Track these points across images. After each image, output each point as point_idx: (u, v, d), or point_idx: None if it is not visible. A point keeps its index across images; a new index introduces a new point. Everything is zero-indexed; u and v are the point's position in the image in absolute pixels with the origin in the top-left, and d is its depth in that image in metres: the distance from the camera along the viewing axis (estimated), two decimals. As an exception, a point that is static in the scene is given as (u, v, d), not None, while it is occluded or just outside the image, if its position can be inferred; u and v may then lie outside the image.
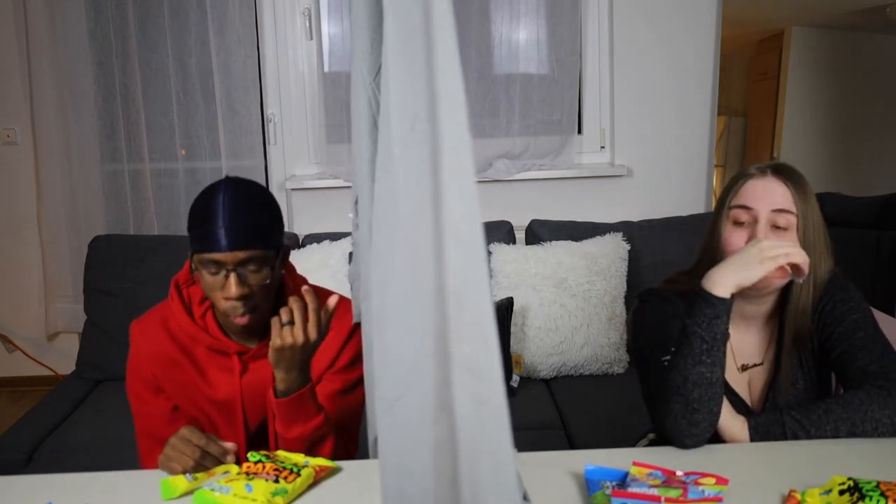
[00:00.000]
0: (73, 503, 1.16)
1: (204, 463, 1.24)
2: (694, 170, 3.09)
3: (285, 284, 1.41)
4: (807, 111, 5.04)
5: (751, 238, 1.29)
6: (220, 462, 1.26)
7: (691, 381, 1.24)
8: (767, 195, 1.30)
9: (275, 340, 1.27)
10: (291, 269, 1.45)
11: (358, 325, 1.43)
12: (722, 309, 1.24)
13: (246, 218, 1.28)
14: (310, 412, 1.32)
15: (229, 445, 1.28)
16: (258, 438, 1.42)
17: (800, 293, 1.33)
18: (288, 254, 1.42)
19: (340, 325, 1.40)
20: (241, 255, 1.27)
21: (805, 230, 1.31)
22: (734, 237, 1.31)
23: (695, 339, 1.25)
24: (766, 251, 1.22)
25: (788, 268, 1.23)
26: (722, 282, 1.25)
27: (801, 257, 1.22)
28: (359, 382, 1.46)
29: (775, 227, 1.30)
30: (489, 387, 0.58)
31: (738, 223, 1.32)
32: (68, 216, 3.18)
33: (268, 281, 1.31)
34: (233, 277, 1.27)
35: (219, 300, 1.30)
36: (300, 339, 1.25)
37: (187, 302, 1.41)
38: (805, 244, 1.30)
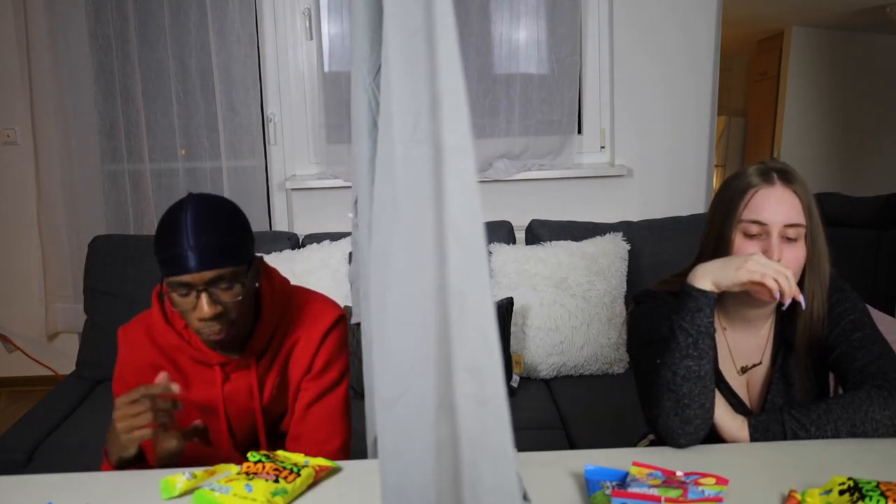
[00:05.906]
0: (73, 503, 1.16)
1: (164, 411, 1.23)
2: (694, 170, 3.09)
3: (263, 293, 1.39)
4: (807, 111, 5.03)
5: (764, 250, 1.28)
6: (173, 406, 1.25)
7: (680, 376, 1.24)
8: (780, 209, 1.29)
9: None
10: (270, 274, 1.43)
11: (331, 329, 1.43)
12: (704, 302, 1.26)
13: (211, 236, 1.24)
14: None
15: (162, 377, 1.25)
16: (254, 447, 1.41)
17: (812, 300, 1.33)
18: (261, 264, 1.40)
19: (311, 332, 1.41)
20: (209, 274, 1.24)
21: (814, 238, 1.31)
22: (747, 248, 1.30)
23: (680, 332, 1.26)
24: (751, 265, 1.23)
25: (776, 290, 1.22)
26: (703, 277, 1.27)
27: (785, 284, 1.22)
28: (340, 379, 1.46)
29: (787, 240, 1.29)
30: (490, 387, 0.58)
31: (749, 235, 1.31)
32: (68, 216, 3.18)
33: (240, 297, 1.28)
34: (204, 297, 1.25)
35: (193, 321, 1.28)
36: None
37: (168, 313, 1.40)
38: (814, 252, 1.31)
